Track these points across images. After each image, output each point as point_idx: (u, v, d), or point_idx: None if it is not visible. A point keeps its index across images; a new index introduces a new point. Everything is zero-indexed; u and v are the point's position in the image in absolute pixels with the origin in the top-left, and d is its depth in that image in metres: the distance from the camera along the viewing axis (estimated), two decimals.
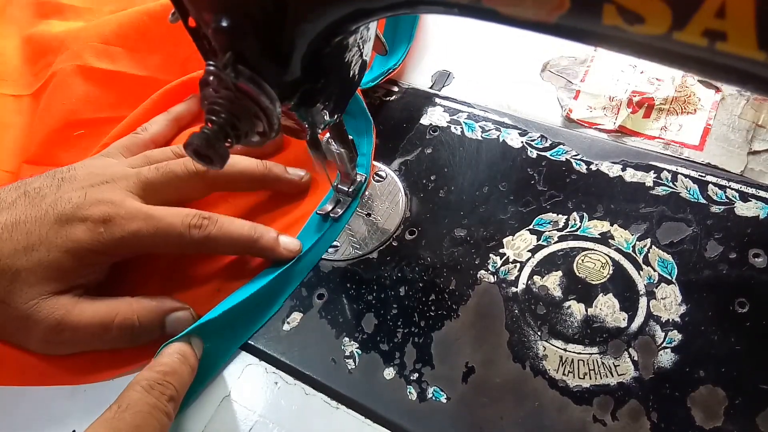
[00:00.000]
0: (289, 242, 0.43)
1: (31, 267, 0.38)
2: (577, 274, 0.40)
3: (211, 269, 0.45)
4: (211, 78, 0.28)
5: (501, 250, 0.42)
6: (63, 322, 0.38)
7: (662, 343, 0.37)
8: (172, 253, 0.45)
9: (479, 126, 0.49)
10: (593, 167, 0.45)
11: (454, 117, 0.50)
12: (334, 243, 0.45)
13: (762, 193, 0.42)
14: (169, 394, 0.34)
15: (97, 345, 0.40)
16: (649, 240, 0.41)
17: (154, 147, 0.49)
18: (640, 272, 0.40)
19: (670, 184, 0.43)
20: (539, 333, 0.38)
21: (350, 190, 0.46)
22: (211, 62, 0.28)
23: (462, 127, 0.50)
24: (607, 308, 0.39)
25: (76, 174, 0.42)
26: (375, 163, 0.49)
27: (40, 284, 0.38)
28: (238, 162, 0.45)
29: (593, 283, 0.40)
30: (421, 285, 0.42)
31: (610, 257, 0.41)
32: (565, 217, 0.43)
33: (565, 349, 0.37)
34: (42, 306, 0.38)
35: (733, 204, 0.41)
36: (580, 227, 0.42)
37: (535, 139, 0.48)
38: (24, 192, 0.41)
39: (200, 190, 0.45)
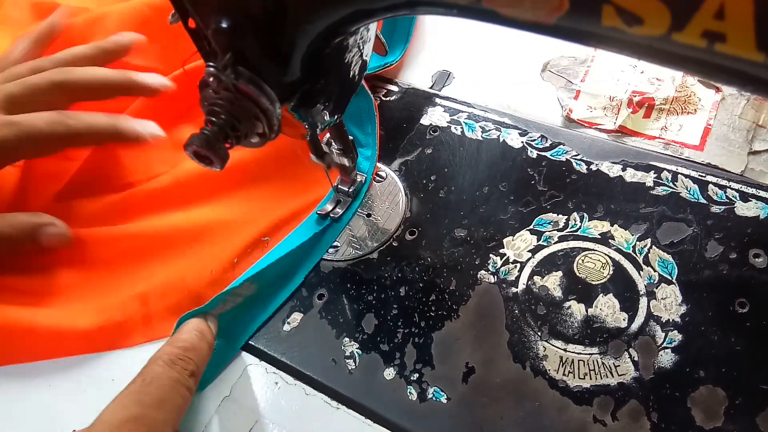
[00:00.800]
0: (150, 127, 0.46)
1: None
2: (578, 274, 0.40)
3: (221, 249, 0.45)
4: (211, 79, 0.28)
5: (501, 251, 0.42)
6: None
7: (662, 343, 0.37)
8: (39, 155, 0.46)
9: (479, 126, 0.49)
10: (593, 167, 0.45)
11: (454, 117, 0.50)
12: (335, 243, 0.45)
13: (762, 193, 0.41)
14: (191, 369, 0.35)
15: None
16: (649, 240, 0.41)
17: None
18: (641, 272, 0.40)
19: (671, 184, 0.43)
20: (539, 333, 0.38)
21: (350, 190, 0.46)
22: (210, 63, 0.28)
23: (462, 127, 0.50)
24: (608, 308, 0.39)
25: None
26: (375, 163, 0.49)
27: None
28: (99, 70, 0.47)
29: (593, 283, 0.40)
30: (421, 285, 0.42)
31: (610, 257, 0.41)
32: (566, 217, 0.43)
33: (565, 350, 0.37)
34: None
35: (734, 204, 0.41)
36: (580, 227, 0.42)
37: (535, 139, 0.48)
38: None
39: (63, 101, 0.46)
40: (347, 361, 0.39)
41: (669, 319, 0.37)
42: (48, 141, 0.43)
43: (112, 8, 0.60)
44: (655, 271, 0.39)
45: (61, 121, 0.43)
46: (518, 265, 0.41)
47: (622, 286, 0.39)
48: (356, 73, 0.35)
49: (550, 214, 0.43)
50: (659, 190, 0.43)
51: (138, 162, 0.52)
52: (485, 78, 0.54)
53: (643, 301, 0.38)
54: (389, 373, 0.38)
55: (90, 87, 0.46)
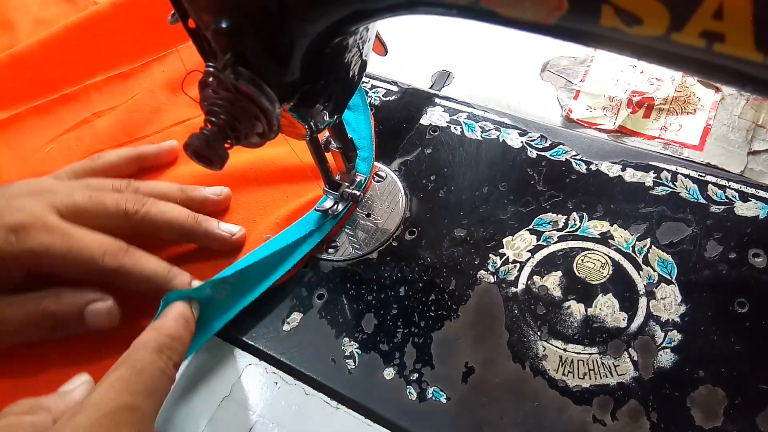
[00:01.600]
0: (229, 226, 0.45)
1: None
2: (577, 274, 0.40)
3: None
4: (211, 79, 0.28)
5: (501, 250, 0.42)
6: None
7: (662, 343, 0.37)
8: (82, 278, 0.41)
9: (479, 126, 0.49)
10: (593, 167, 0.45)
11: (454, 117, 0.50)
12: (334, 243, 0.45)
13: (762, 193, 0.42)
14: (175, 360, 0.34)
15: (19, 338, 0.40)
16: (648, 240, 0.41)
17: (103, 176, 0.47)
18: (640, 272, 0.40)
19: (670, 184, 0.43)
20: (539, 333, 0.38)
21: (350, 195, 0.46)
22: (210, 63, 0.28)
23: (462, 127, 0.50)
24: (607, 308, 0.39)
25: (13, 186, 0.42)
26: (375, 163, 0.49)
27: None
28: (170, 210, 0.43)
29: (593, 283, 0.40)
30: (421, 285, 0.42)
31: (609, 257, 0.41)
32: (565, 217, 0.43)
33: (564, 349, 0.37)
34: None
35: (733, 204, 0.41)
36: (579, 227, 0.42)
37: (535, 139, 0.48)
38: None
39: (125, 230, 0.42)
40: (347, 360, 0.39)
41: (668, 319, 0.38)
42: (95, 270, 0.39)
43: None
44: (654, 270, 0.40)
45: (115, 255, 0.39)
46: (518, 265, 0.41)
47: (621, 286, 0.39)
48: (356, 73, 0.35)
49: (550, 214, 0.43)
50: (659, 190, 0.43)
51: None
52: (485, 78, 0.54)
53: (643, 300, 0.39)
54: (389, 373, 0.38)
55: (156, 225, 0.43)
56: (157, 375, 0.32)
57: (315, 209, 0.46)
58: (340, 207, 0.45)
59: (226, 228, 0.45)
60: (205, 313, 0.39)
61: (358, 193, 0.45)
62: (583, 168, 0.45)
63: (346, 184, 0.44)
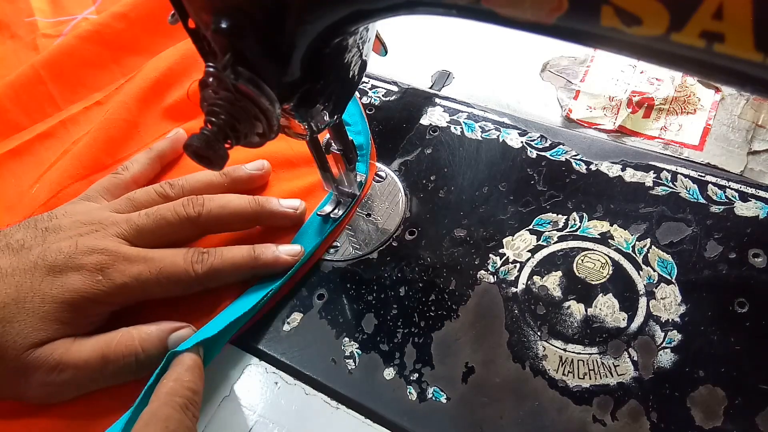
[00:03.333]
0: (289, 249, 0.43)
1: (24, 318, 0.36)
2: (577, 274, 0.40)
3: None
4: (211, 79, 0.28)
5: (501, 251, 0.42)
6: (63, 361, 0.36)
7: (662, 343, 0.37)
8: (174, 295, 0.41)
9: (479, 126, 0.49)
10: (593, 167, 0.45)
11: (454, 117, 0.50)
12: (335, 243, 0.45)
13: (762, 193, 0.42)
14: (197, 417, 0.34)
15: (101, 382, 0.38)
16: (648, 240, 0.41)
17: (136, 187, 0.46)
18: (640, 272, 0.40)
19: (670, 184, 0.43)
20: (539, 333, 0.38)
21: (350, 191, 0.46)
22: (210, 63, 0.28)
23: (462, 127, 0.50)
24: (607, 308, 0.39)
25: (61, 223, 0.41)
26: (375, 163, 0.49)
27: (35, 334, 0.36)
28: (230, 201, 0.43)
29: (593, 283, 0.40)
30: (421, 285, 0.42)
31: (609, 257, 0.41)
32: (565, 217, 0.43)
33: (564, 349, 0.37)
34: (38, 352, 0.36)
35: (733, 204, 0.41)
36: (579, 227, 0.42)
37: (534, 139, 0.48)
38: (6, 244, 0.39)
39: (192, 235, 0.43)
40: (347, 360, 0.39)
41: (668, 319, 0.38)
42: (188, 282, 0.40)
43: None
44: (654, 270, 0.40)
45: (201, 261, 0.40)
46: (518, 265, 0.41)
47: (621, 286, 0.39)
48: (356, 73, 0.35)
49: (550, 214, 0.43)
50: (659, 190, 0.43)
51: None
52: (485, 78, 0.54)
53: (643, 300, 0.39)
54: (389, 373, 0.38)
55: (222, 220, 0.43)
56: None
57: (316, 214, 0.46)
58: (341, 211, 0.46)
59: (288, 204, 0.45)
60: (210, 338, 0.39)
61: (343, 152, 0.43)
62: (583, 168, 0.45)
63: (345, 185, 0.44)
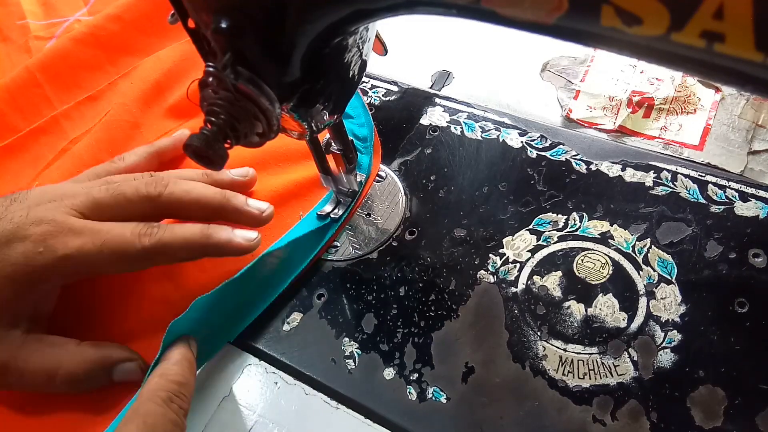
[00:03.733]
0: (246, 233, 0.41)
1: None
2: (577, 274, 0.40)
3: (174, 284, 0.44)
4: (211, 79, 0.28)
5: (501, 250, 0.42)
6: (7, 366, 0.36)
7: (662, 343, 0.37)
8: (120, 273, 0.41)
9: (479, 126, 0.49)
10: (593, 167, 0.45)
11: (454, 117, 0.50)
12: (335, 243, 0.45)
13: (762, 193, 0.42)
14: (185, 408, 0.33)
15: (42, 391, 0.38)
16: (648, 240, 0.41)
17: None
18: (640, 272, 0.40)
19: (670, 184, 0.43)
20: (539, 333, 0.38)
21: (350, 190, 0.46)
22: (210, 63, 0.28)
23: (462, 127, 0.50)
24: (607, 308, 0.39)
25: (29, 195, 0.40)
26: (379, 158, 0.49)
27: None
28: (195, 188, 0.41)
29: (593, 283, 0.40)
30: (420, 285, 0.42)
31: (609, 257, 0.41)
32: (565, 217, 0.43)
33: (564, 349, 0.37)
34: None
35: (733, 204, 0.41)
36: (579, 227, 0.42)
37: (534, 139, 0.48)
38: None
39: (150, 215, 0.41)
40: (347, 360, 0.39)
41: (668, 319, 0.37)
42: (134, 256, 0.38)
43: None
44: (654, 270, 0.39)
45: (150, 234, 0.38)
46: (518, 264, 0.41)
47: (621, 286, 0.39)
48: (356, 73, 0.35)
49: (550, 213, 0.43)
50: (659, 190, 0.43)
51: None
52: (485, 78, 0.54)
53: (643, 300, 0.39)
54: (389, 372, 0.38)
55: (182, 205, 0.41)
56: (170, 428, 0.32)
57: (316, 213, 0.46)
58: (340, 211, 0.46)
59: (255, 204, 0.43)
60: (210, 331, 0.39)
61: (343, 152, 0.42)
62: (583, 168, 0.45)
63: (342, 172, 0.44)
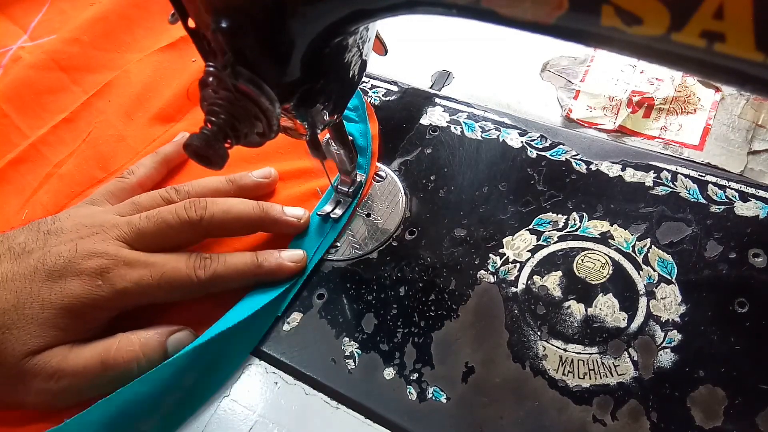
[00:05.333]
0: (292, 254, 0.42)
1: (23, 325, 0.36)
2: (577, 274, 0.40)
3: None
4: (211, 79, 0.28)
5: (501, 250, 0.42)
6: (60, 368, 0.36)
7: (662, 343, 0.37)
8: (175, 300, 0.41)
9: (479, 126, 0.49)
10: (593, 167, 0.45)
11: (454, 117, 0.50)
12: (335, 243, 0.45)
13: (762, 193, 0.42)
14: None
15: (102, 388, 0.36)
16: (648, 240, 0.41)
17: (141, 191, 0.47)
18: (640, 272, 0.40)
19: (670, 184, 0.43)
20: (539, 333, 0.38)
21: (350, 190, 0.46)
22: (210, 63, 0.28)
23: (462, 127, 0.50)
24: (607, 308, 0.39)
25: (63, 226, 0.40)
26: (376, 164, 0.49)
27: (34, 341, 0.36)
28: (234, 206, 0.42)
29: (593, 283, 0.40)
30: (420, 285, 0.42)
31: (609, 257, 0.41)
32: (565, 217, 0.43)
33: (564, 349, 0.37)
34: (36, 360, 0.36)
35: (733, 204, 0.41)
36: (579, 227, 0.42)
37: (534, 139, 0.48)
38: (8, 248, 0.39)
39: (193, 239, 0.43)
40: (347, 360, 0.39)
41: (668, 319, 0.37)
42: (189, 288, 0.39)
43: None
44: (654, 270, 0.39)
45: (204, 266, 0.40)
46: (518, 264, 0.41)
47: (621, 286, 0.39)
48: (356, 73, 0.35)
49: (550, 213, 0.43)
50: (659, 190, 0.43)
51: None
52: (485, 78, 0.54)
53: (643, 300, 0.39)
54: (389, 372, 0.38)
55: (224, 225, 0.42)
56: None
57: (316, 213, 0.46)
58: (340, 211, 0.46)
59: (292, 213, 0.45)
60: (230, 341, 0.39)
61: (343, 152, 0.43)
62: (583, 168, 0.45)
63: (333, 146, 0.44)
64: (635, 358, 0.36)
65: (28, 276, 0.37)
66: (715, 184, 0.43)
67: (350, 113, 0.50)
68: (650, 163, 0.44)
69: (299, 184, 0.49)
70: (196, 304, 0.41)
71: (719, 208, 0.41)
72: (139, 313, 0.40)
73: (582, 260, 0.41)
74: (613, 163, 0.45)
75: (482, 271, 0.41)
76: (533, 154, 0.47)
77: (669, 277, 0.39)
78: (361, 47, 0.34)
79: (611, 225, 0.42)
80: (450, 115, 0.51)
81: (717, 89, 0.49)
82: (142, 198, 0.44)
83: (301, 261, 0.42)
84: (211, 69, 0.28)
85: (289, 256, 0.42)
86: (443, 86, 0.54)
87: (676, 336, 0.37)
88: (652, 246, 0.40)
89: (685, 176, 0.43)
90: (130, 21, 0.63)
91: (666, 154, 0.46)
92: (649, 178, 0.44)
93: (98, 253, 0.38)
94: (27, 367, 0.36)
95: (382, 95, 0.54)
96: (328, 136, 0.41)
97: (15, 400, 0.37)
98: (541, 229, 0.43)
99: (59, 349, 0.37)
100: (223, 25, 0.27)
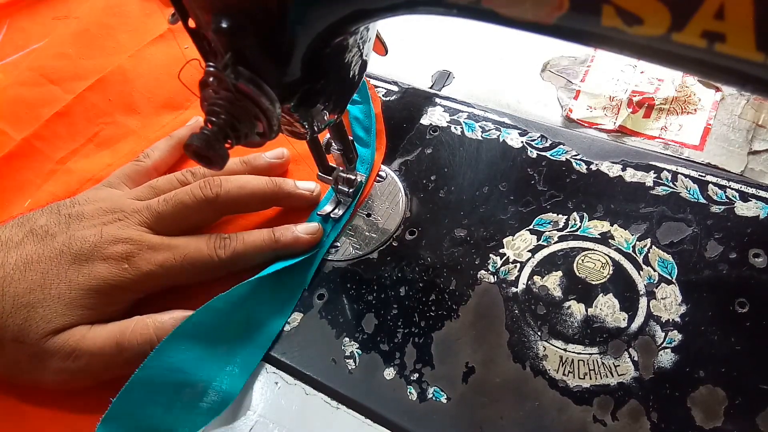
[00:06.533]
0: (307, 227, 0.44)
1: (49, 303, 0.37)
2: (577, 274, 0.40)
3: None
4: (211, 79, 0.28)
5: (501, 250, 0.42)
6: (78, 347, 0.37)
7: (662, 343, 0.37)
8: (197, 281, 0.42)
9: (479, 126, 0.49)
10: (593, 167, 0.45)
11: (454, 117, 0.50)
12: (335, 243, 0.45)
13: (762, 193, 0.41)
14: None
15: (115, 369, 0.37)
16: (649, 240, 0.41)
17: (157, 174, 0.48)
18: (640, 272, 0.40)
19: (670, 184, 0.43)
20: (539, 333, 0.38)
21: (350, 190, 0.46)
22: (210, 63, 0.28)
23: (462, 127, 0.50)
24: (607, 308, 0.39)
25: (84, 210, 0.41)
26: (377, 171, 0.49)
27: (59, 319, 0.37)
28: (248, 182, 0.44)
29: (593, 283, 0.40)
30: (421, 285, 0.42)
31: (610, 257, 0.41)
32: (565, 217, 0.43)
33: (565, 349, 0.37)
34: (55, 339, 0.37)
35: (733, 204, 0.41)
36: (580, 227, 0.42)
37: (535, 139, 0.48)
38: (30, 230, 0.40)
39: (211, 217, 0.44)
40: (347, 360, 0.39)
41: (669, 319, 0.37)
42: (212, 267, 0.41)
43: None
44: (654, 270, 0.39)
45: (224, 246, 0.41)
46: (518, 264, 0.41)
47: (621, 286, 0.39)
48: (356, 73, 0.35)
49: (550, 213, 0.43)
50: (659, 190, 0.43)
51: None
52: (485, 78, 0.54)
53: (643, 300, 0.38)
54: (389, 372, 0.38)
55: (240, 201, 0.43)
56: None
57: (316, 213, 0.46)
58: (341, 211, 0.46)
59: (305, 186, 0.46)
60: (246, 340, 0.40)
61: (353, 176, 0.45)
62: (583, 168, 0.45)
63: (341, 168, 0.44)
64: (635, 358, 0.36)
65: (54, 258, 0.38)
66: (715, 184, 0.43)
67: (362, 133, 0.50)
68: (650, 163, 0.44)
69: (311, 166, 0.48)
70: (217, 285, 0.42)
71: (719, 208, 0.41)
72: (164, 294, 0.41)
73: (582, 260, 0.41)
74: (613, 163, 0.45)
75: (482, 271, 0.41)
76: (533, 154, 0.47)
77: (669, 277, 0.39)
78: (361, 47, 0.34)
79: (611, 225, 0.42)
80: (450, 115, 0.51)
81: (717, 89, 0.49)
82: (160, 182, 0.45)
83: (316, 233, 0.44)
84: (211, 69, 0.28)
85: (305, 229, 0.43)
86: (443, 86, 0.54)
87: (676, 336, 0.37)
88: (653, 246, 0.40)
89: (686, 176, 0.43)
90: (111, 28, 0.64)
91: (666, 154, 0.46)
92: (649, 178, 0.44)
93: (123, 239, 0.39)
94: (46, 346, 0.36)
95: (383, 95, 0.54)
96: (328, 135, 0.41)
97: (34, 378, 0.38)
98: (542, 229, 0.43)
99: (78, 329, 0.37)
100: (223, 25, 0.27)
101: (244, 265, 0.42)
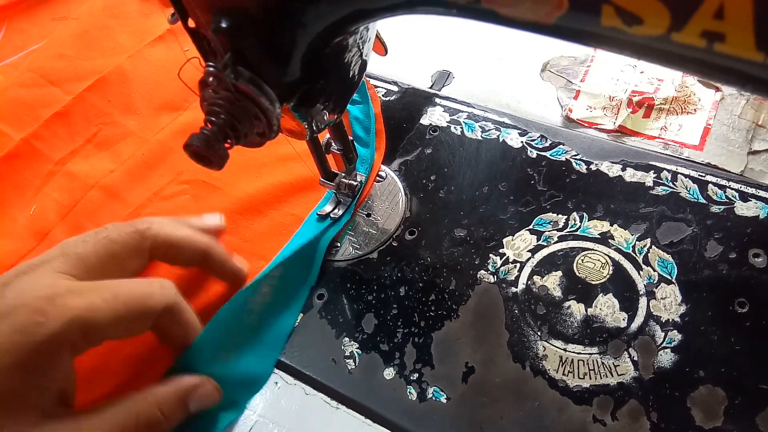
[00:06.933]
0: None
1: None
2: (577, 274, 0.40)
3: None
4: (211, 79, 0.28)
5: (501, 250, 0.42)
6: None
7: (662, 343, 0.37)
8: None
9: (479, 126, 0.49)
10: (593, 167, 0.45)
11: (454, 117, 0.50)
12: (335, 243, 0.45)
13: (762, 193, 0.41)
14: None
15: None
16: (648, 240, 0.41)
17: None
18: (640, 272, 0.40)
19: (670, 184, 0.43)
20: (539, 333, 0.38)
21: (350, 191, 0.46)
22: (210, 63, 0.28)
23: (462, 127, 0.50)
24: (607, 308, 0.39)
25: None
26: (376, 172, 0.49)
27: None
28: (181, 229, 0.40)
29: (593, 283, 0.40)
30: (421, 285, 0.42)
31: (610, 257, 0.41)
32: (565, 217, 0.43)
33: (565, 349, 0.37)
34: None
35: (733, 204, 0.41)
36: (580, 227, 0.42)
37: (535, 139, 0.48)
38: None
39: (139, 258, 0.38)
40: (347, 360, 0.39)
41: (668, 319, 0.37)
42: (152, 306, 0.35)
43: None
44: (654, 270, 0.39)
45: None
46: (518, 264, 0.41)
47: (621, 286, 0.39)
48: (356, 72, 0.35)
49: (550, 213, 0.43)
50: (659, 190, 0.43)
51: None
52: (485, 78, 0.54)
53: (643, 300, 0.38)
54: (389, 372, 0.38)
55: (171, 245, 0.39)
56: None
57: (316, 213, 0.46)
58: (340, 211, 0.45)
59: (236, 263, 0.43)
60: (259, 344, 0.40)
61: (354, 182, 0.45)
62: (583, 168, 0.45)
63: (342, 174, 0.44)
64: (635, 358, 0.36)
65: None
66: (715, 184, 0.43)
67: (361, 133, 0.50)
68: (650, 163, 0.44)
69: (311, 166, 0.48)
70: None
71: (719, 208, 0.41)
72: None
73: (582, 260, 0.41)
74: (613, 163, 0.45)
75: (482, 271, 0.41)
76: (533, 154, 0.47)
77: (669, 277, 0.39)
78: (361, 47, 0.34)
79: (611, 225, 0.42)
80: (450, 115, 0.51)
81: (717, 89, 0.49)
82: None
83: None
84: (211, 69, 0.28)
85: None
86: (443, 86, 0.54)
87: (676, 336, 0.37)
88: (653, 246, 0.40)
89: (685, 176, 0.43)
90: (110, 29, 0.64)
91: (666, 154, 0.46)
92: (649, 178, 0.44)
93: (35, 289, 0.32)
94: None
95: (383, 95, 0.54)
96: (328, 135, 0.41)
97: None
98: (541, 229, 0.43)
99: (63, 426, 0.31)
100: (223, 24, 0.27)
101: (174, 261, 0.40)
